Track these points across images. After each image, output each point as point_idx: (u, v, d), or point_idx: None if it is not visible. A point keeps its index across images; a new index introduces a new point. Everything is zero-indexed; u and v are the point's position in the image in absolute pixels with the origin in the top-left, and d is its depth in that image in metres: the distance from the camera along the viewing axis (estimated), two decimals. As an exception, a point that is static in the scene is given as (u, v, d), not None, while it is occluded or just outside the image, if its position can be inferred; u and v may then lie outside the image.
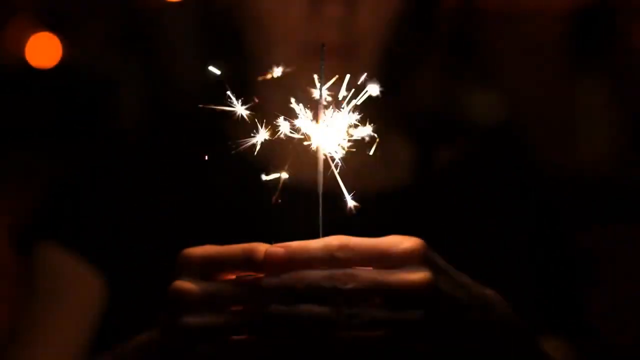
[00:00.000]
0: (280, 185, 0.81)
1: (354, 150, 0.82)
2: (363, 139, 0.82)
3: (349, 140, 0.82)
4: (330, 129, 0.81)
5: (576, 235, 1.31)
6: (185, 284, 0.76)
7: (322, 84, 0.82)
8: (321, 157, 0.81)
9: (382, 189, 1.22)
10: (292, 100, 0.82)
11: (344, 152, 0.81)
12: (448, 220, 1.22)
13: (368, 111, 1.25)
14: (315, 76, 0.82)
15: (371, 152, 0.82)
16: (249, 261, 0.75)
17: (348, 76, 0.82)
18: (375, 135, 0.82)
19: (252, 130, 1.25)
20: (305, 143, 0.81)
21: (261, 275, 0.76)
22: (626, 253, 1.61)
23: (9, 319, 1.23)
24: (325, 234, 0.78)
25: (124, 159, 1.28)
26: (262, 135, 0.82)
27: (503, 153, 1.34)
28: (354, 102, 0.82)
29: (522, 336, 0.90)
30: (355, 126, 0.82)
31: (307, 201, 0.82)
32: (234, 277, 0.77)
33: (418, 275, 0.75)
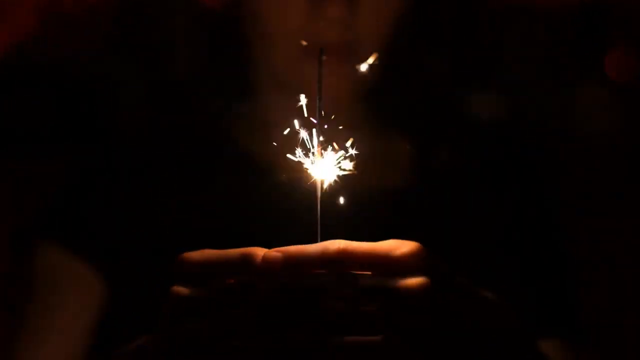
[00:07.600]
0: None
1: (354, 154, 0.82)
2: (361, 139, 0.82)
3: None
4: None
5: (574, 236, 1.32)
6: (183, 289, 0.76)
7: (321, 86, 0.82)
8: (320, 161, 0.81)
9: (381, 191, 1.22)
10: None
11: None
12: (447, 222, 1.22)
13: (370, 111, 1.25)
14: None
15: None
16: (247, 265, 0.75)
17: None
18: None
19: (253, 131, 1.26)
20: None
21: (259, 279, 0.76)
22: (623, 252, 1.61)
23: (8, 320, 1.23)
24: (323, 238, 0.78)
25: (125, 160, 1.28)
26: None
27: (503, 153, 1.34)
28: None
29: (521, 338, 0.90)
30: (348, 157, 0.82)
31: (306, 204, 0.82)
32: (232, 281, 0.77)
33: (416, 280, 0.75)
